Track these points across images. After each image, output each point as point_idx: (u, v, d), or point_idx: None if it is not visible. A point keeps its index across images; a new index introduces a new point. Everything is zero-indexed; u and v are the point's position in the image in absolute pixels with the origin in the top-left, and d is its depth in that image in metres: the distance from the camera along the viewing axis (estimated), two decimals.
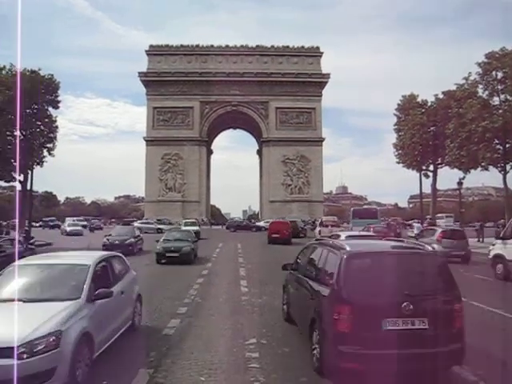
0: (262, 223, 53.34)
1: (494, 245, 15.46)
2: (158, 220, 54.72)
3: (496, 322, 8.53)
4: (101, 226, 56.82)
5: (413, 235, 28.82)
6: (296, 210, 66.28)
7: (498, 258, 14.68)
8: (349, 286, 5.14)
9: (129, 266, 7.86)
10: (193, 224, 38.03)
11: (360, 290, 5.16)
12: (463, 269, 16.08)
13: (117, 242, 20.91)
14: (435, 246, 17.61)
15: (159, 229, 47.29)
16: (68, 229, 42.18)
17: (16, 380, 4.15)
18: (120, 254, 7.86)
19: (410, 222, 58.19)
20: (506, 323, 8.40)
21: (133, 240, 21.84)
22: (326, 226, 32.16)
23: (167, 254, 17.39)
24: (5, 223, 38.20)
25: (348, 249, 5.65)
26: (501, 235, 15.13)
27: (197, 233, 32.26)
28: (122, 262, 7.64)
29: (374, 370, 4.95)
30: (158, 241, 19.06)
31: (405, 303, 4.94)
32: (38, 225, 58.66)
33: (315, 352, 5.61)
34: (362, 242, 8.75)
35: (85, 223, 53.97)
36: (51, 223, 58.43)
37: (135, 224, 46.54)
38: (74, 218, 57.47)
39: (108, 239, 21.78)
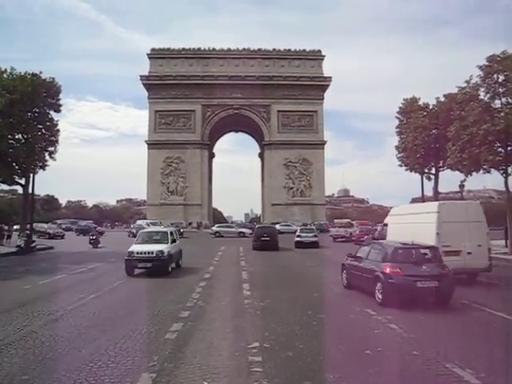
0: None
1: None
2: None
3: None
4: None
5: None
6: (298, 213, 66.34)
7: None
8: (255, 232, 30.31)
9: None
10: (161, 239, 16.60)
11: (257, 234, 29.54)
12: None
13: None
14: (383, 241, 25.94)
15: (241, 232, 45.68)
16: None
17: None
18: None
19: None
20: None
21: None
22: (334, 226, 46.03)
23: None
24: (6, 227, 38.07)
25: (257, 226, 35.01)
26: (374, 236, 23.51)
27: (159, 260, 15.06)
28: None
29: (259, 246, 28.45)
30: None
31: (265, 234, 29.05)
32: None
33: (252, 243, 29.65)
34: (263, 225, 41.27)
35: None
36: (85, 228, 47.10)
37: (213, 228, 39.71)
38: (148, 221, 49.95)
39: None
